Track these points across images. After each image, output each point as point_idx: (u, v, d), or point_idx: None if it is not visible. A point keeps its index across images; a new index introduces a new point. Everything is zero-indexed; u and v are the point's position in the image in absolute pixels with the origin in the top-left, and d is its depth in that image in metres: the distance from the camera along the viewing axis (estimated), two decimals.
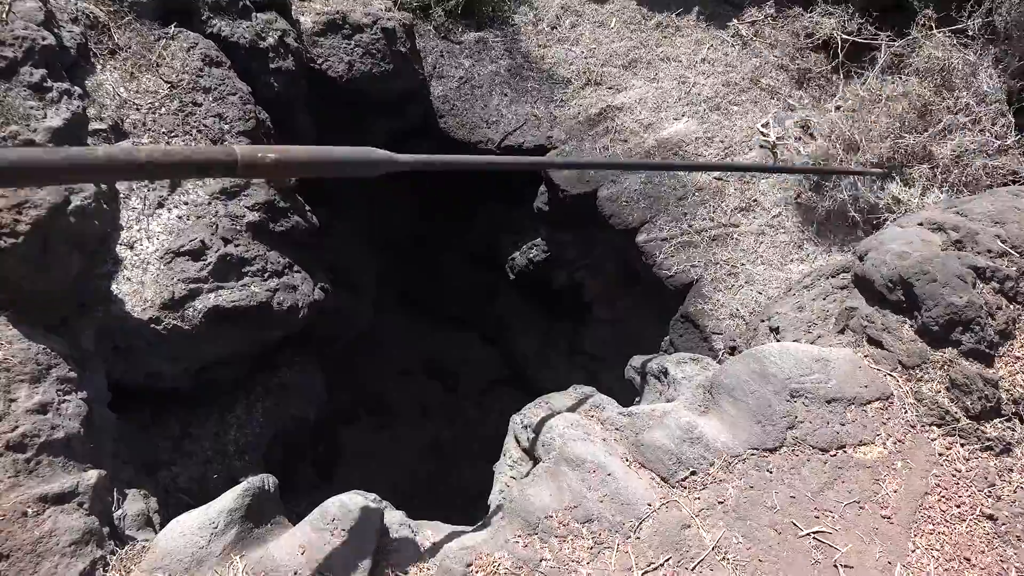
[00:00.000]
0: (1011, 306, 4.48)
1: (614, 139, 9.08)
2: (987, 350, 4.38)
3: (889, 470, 4.23)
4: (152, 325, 4.90)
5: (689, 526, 4.01)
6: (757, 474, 4.21)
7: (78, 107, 5.05)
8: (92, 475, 3.94)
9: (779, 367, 4.48)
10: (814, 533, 3.98)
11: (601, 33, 10.29)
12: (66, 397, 4.11)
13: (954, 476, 4.22)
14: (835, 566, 3.88)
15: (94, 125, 5.60)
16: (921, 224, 5.06)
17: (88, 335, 4.65)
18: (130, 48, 6.31)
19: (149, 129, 6.01)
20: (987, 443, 4.28)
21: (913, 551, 3.96)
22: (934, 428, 4.37)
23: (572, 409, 4.91)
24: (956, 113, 7.66)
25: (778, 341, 5.31)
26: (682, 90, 9.60)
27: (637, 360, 5.85)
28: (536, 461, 4.70)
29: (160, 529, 4.14)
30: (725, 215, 8.36)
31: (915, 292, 4.55)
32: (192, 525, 3.79)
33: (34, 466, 3.83)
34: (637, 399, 5.69)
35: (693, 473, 4.20)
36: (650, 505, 4.07)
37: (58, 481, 3.81)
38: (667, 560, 3.88)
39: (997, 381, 4.32)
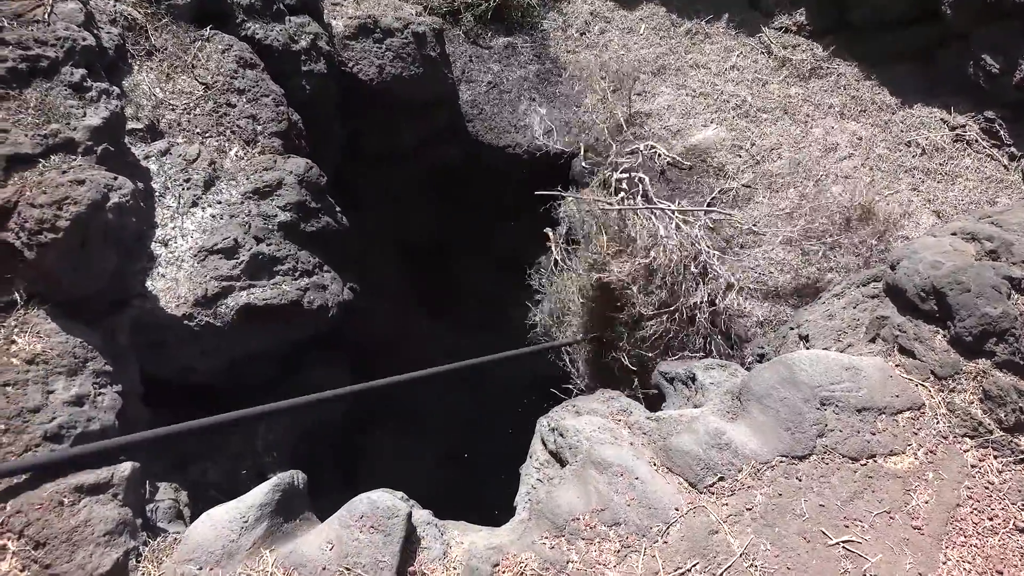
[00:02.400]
0: None
1: (645, 146, 9.07)
2: (1021, 362, 4.32)
3: (920, 481, 4.19)
4: (185, 321, 4.97)
5: (717, 532, 3.99)
6: (786, 482, 4.19)
7: (116, 107, 5.13)
8: (126, 467, 3.99)
9: (809, 375, 4.45)
10: (843, 542, 3.95)
11: (630, 39, 10.31)
12: (102, 390, 4.18)
13: (987, 488, 4.17)
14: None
15: (131, 125, 5.68)
16: (955, 234, 5.01)
17: (123, 330, 4.72)
18: (166, 49, 6.42)
19: (184, 129, 6.10)
20: (1021, 456, 4.22)
21: (944, 563, 3.92)
22: (967, 439, 4.33)
23: (599, 413, 4.91)
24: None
25: (808, 349, 5.28)
26: (711, 97, 9.58)
27: (665, 366, 5.84)
28: (563, 463, 4.70)
29: (191, 522, 4.19)
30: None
31: (948, 302, 4.50)
32: (223, 519, 3.84)
33: None
34: (664, 404, 5.67)
35: (721, 479, 4.19)
36: (678, 510, 4.06)
37: (93, 472, 3.87)
38: (694, 566, 3.87)
39: None
